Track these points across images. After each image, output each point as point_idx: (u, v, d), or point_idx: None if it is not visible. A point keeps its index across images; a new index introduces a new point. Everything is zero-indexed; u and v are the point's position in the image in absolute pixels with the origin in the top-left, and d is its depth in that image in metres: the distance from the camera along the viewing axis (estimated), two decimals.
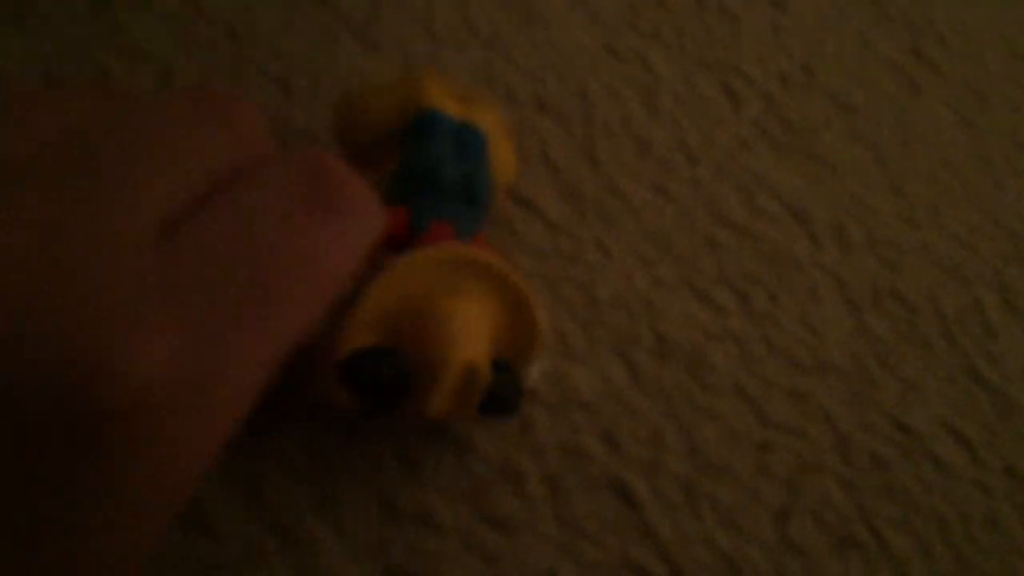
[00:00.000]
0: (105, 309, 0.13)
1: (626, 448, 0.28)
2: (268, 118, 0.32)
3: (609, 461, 0.27)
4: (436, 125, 0.26)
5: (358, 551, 0.24)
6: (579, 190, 0.33)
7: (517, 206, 0.32)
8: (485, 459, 0.26)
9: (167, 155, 0.15)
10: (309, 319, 0.16)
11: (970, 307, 0.34)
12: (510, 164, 0.29)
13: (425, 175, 0.25)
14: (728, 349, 0.31)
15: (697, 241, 0.33)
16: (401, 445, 0.26)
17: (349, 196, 0.17)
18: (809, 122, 0.38)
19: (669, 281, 0.32)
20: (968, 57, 0.43)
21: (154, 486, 0.14)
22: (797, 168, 0.36)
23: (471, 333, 0.23)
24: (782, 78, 0.39)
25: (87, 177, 0.14)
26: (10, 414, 0.12)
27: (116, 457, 0.13)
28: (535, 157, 0.33)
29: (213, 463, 0.16)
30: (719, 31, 0.40)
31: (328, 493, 0.25)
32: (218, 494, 0.24)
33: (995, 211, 0.37)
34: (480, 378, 0.23)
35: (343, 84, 0.34)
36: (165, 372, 0.13)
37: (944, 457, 0.30)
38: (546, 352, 0.29)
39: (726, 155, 0.36)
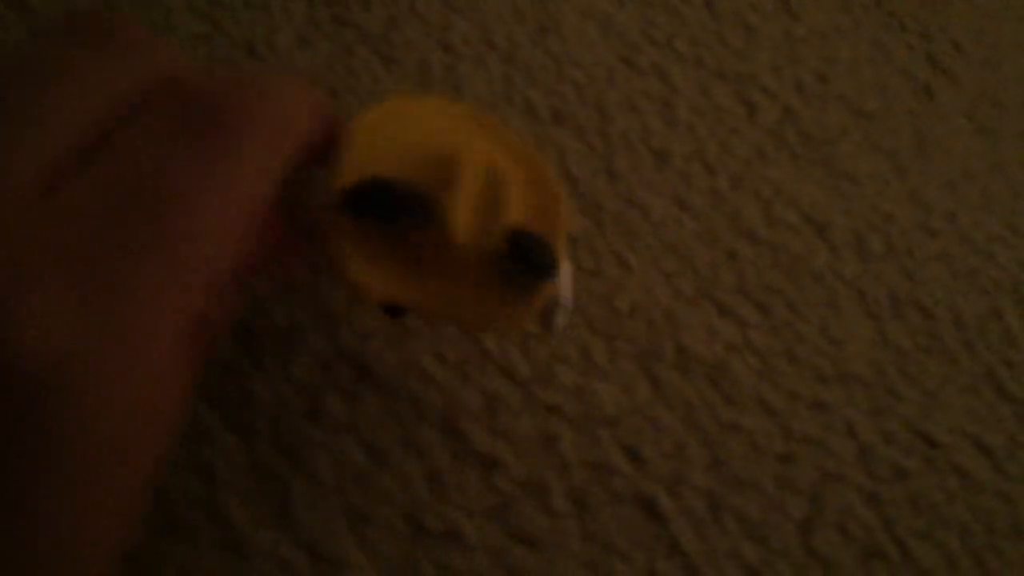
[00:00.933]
0: None
1: (650, 462, 0.28)
2: None
3: (634, 476, 0.27)
4: None
5: (388, 569, 0.24)
6: (598, 203, 0.33)
7: None
8: (510, 476, 0.27)
9: (44, 105, 0.14)
10: (226, 246, 0.15)
11: (990, 316, 0.34)
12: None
13: None
14: (750, 361, 0.31)
15: (717, 253, 0.33)
16: (427, 463, 0.26)
17: (236, 112, 0.16)
18: (826, 131, 0.38)
19: (690, 293, 0.32)
20: (984, 65, 0.43)
21: (92, 452, 0.13)
22: (815, 177, 0.36)
23: (488, 151, 0.21)
24: (798, 87, 0.39)
25: None
26: None
27: (38, 424, 0.13)
28: (554, 170, 0.33)
29: (165, 426, 0.15)
30: (734, 42, 0.40)
31: (356, 510, 0.25)
32: (246, 511, 0.24)
33: (1013, 219, 0.37)
34: (502, 179, 0.20)
35: (361, 97, 0.34)
36: (66, 336, 0.13)
37: (967, 468, 0.30)
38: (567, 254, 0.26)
39: (744, 165, 0.36)
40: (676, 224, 0.33)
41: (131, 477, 0.14)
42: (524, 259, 0.20)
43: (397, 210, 0.19)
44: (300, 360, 0.27)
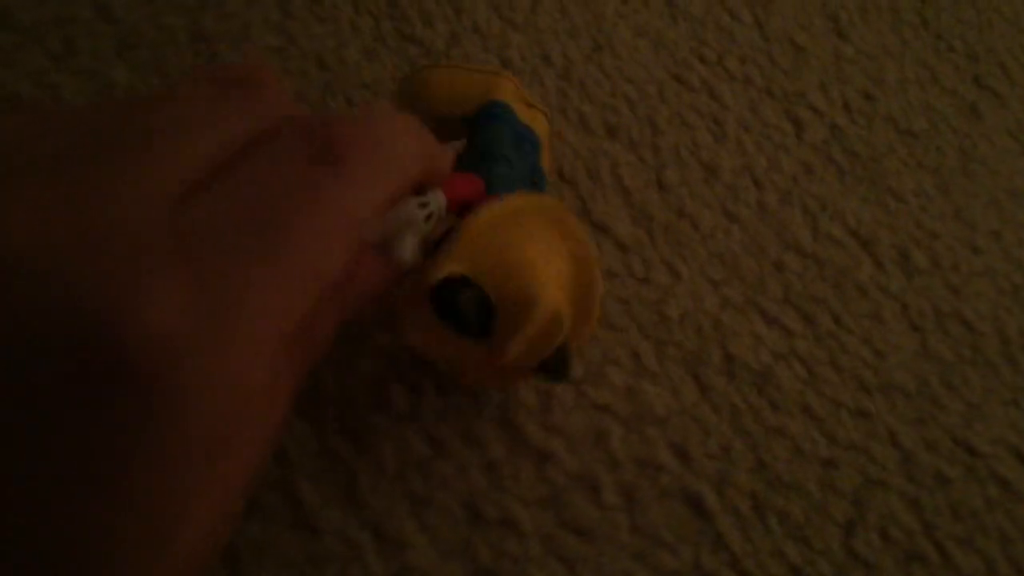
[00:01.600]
0: (121, 267, 0.14)
1: (697, 461, 0.29)
2: None
3: (681, 473, 0.29)
4: (507, 116, 0.28)
5: (447, 552, 0.26)
6: (649, 214, 0.34)
7: (593, 229, 0.33)
8: (563, 468, 0.28)
9: (181, 133, 0.16)
10: (330, 260, 0.17)
11: None
12: (549, 174, 0.30)
13: (496, 153, 0.26)
14: (795, 369, 0.32)
15: (764, 264, 0.34)
16: (484, 454, 0.28)
17: (350, 147, 0.18)
18: (872, 149, 0.39)
19: (737, 302, 0.33)
20: None
21: (194, 433, 0.14)
22: (861, 194, 0.37)
23: (559, 282, 0.24)
24: (845, 106, 0.40)
25: (106, 162, 0.15)
26: (41, 367, 0.13)
27: (143, 408, 0.14)
28: (608, 182, 0.35)
29: (264, 427, 0.17)
30: (783, 60, 0.41)
31: (417, 496, 0.26)
32: (316, 493, 0.26)
33: None
34: (560, 328, 0.23)
35: None
36: (179, 320, 0.14)
37: (1008, 477, 0.31)
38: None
39: (791, 180, 0.37)
40: (724, 235, 0.35)
41: (229, 470, 0.16)
42: (553, 371, 0.24)
43: (467, 327, 0.23)
44: (366, 354, 0.29)
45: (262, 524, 0.25)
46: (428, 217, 0.21)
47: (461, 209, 0.24)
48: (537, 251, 0.24)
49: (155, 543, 0.15)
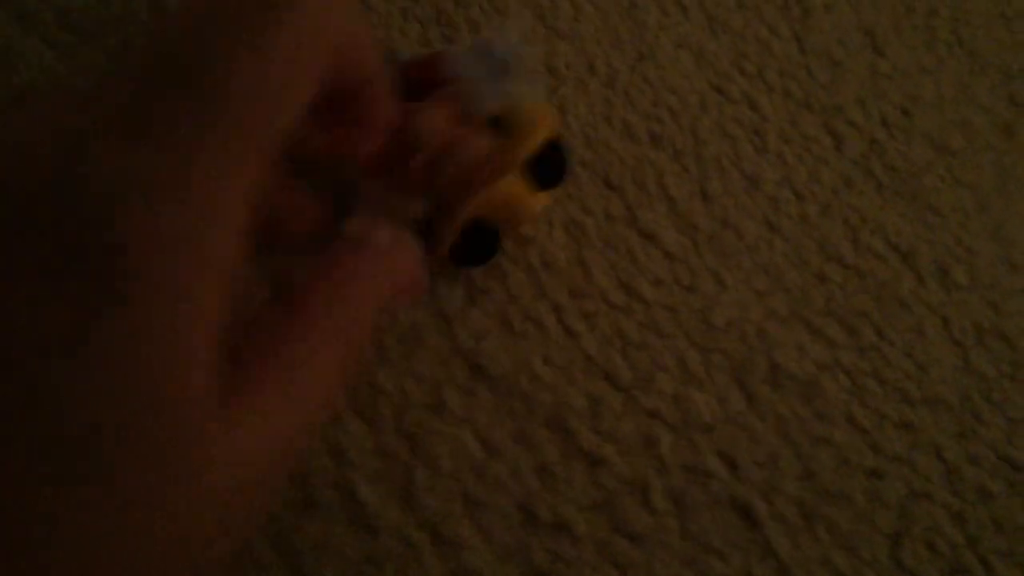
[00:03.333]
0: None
1: (745, 469, 0.29)
2: None
3: (730, 481, 0.29)
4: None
5: (502, 554, 0.26)
6: (694, 223, 0.35)
7: (639, 237, 0.33)
8: (614, 473, 0.28)
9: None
10: (278, 108, 0.16)
11: None
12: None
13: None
14: (839, 380, 0.32)
15: (807, 276, 0.34)
16: (537, 457, 0.28)
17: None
18: (910, 164, 0.39)
19: (781, 313, 0.33)
20: None
21: (153, 287, 0.14)
22: (900, 208, 0.38)
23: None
24: (883, 121, 0.41)
25: None
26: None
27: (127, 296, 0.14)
28: (654, 191, 0.35)
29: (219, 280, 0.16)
30: (821, 75, 0.42)
31: (472, 497, 0.27)
32: (374, 492, 0.26)
33: None
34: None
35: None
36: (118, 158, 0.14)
37: None
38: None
39: (832, 194, 0.37)
40: (767, 246, 0.35)
41: (187, 326, 0.15)
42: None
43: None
44: (421, 357, 0.29)
45: (322, 523, 0.25)
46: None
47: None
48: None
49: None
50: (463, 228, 0.27)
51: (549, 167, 0.28)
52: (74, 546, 0.14)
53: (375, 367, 0.28)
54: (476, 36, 0.38)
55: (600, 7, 0.40)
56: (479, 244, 0.29)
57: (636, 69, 0.39)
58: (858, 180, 0.38)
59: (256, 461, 0.16)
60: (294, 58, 0.16)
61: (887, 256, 0.36)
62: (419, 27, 0.38)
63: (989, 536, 0.30)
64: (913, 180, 0.39)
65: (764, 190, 0.37)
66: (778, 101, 0.40)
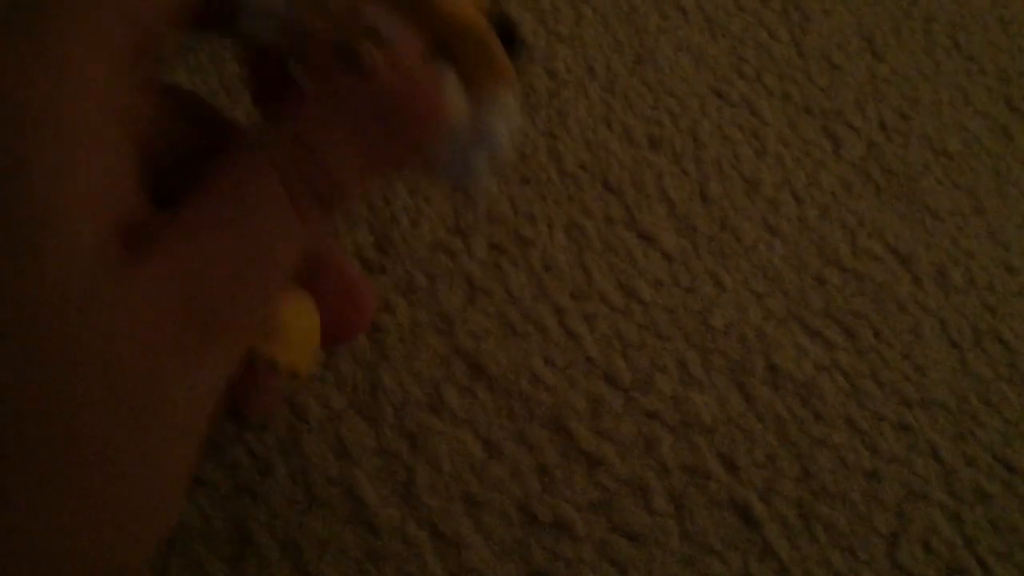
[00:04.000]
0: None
1: (744, 470, 0.29)
2: None
3: (729, 482, 0.29)
4: None
5: (502, 553, 0.26)
6: (693, 225, 0.35)
7: (639, 239, 0.34)
8: (613, 474, 0.28)
9: None
10: None
11: None
12: None
13: None
14: (837, 382, 0.32)
15: (805, 278, 0.35)
16: (537, 457, 0.28)
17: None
18: (908, 168, 0.40)
19: (780, 315, 0.33)
20: None
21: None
22: (898, 211, 0.38)
23: None
24: (882, 125, 0.41)
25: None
26: None
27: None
28: (653, 193, 0.35)
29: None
30: (820, 79, 0.42)
31: (472, 497, 0.27)
32: (375, 490, 0.26)
33: None
34: None
35: None
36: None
37: None
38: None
39: (830, 196, 0.37)
40: (766, 248, 0.35)
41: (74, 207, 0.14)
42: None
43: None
44: (421, 356, 0.29)
45: (324, 520, 0.25)
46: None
47: None
48: None
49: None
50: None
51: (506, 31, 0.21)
52: None
53: (376, 366, 0.28)
54: None
55: (600, 11, 0.40)
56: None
57: (635, 72, 0.39)
58: (857, 183, 0.38)
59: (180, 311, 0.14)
60: None
61: (885, 258, 0.36)
62: None
63: (986, 537, 0.30)
64: (911, 183, 0.39)
65: (763, 193, 0.37)
66: (777, 104, 0.40)
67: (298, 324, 0.20)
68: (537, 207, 0.33)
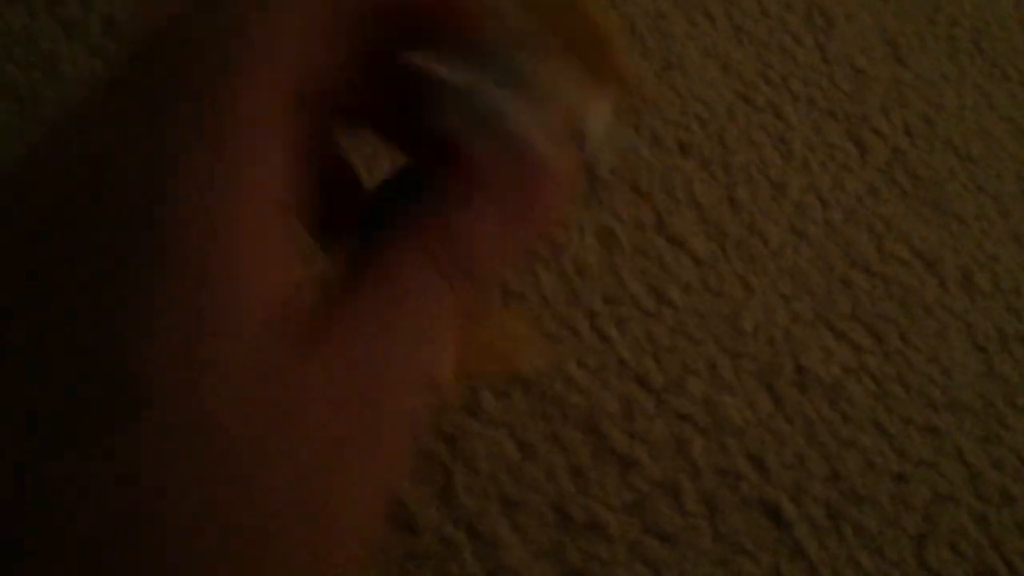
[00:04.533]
0: None
1: (774, 471, 0.30)
2: None
3: (759, 483, 0.29)
4: None
5: (538, 553, 0.27)
6: (723, 229, 0.35)
7: (669, 244, 0.34)
8: (646, 475, 0.29)
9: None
10: None
11: None
12: None
13: None
14: (865, 384, 0.32)
15: (832, 281, 0.35)
16: (571, 459, 0.28)
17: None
18: (934, 172, 0.40)
19: (807, 317, 0.34)
20: None
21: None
22: (924, 216, 0.38)
23: None
24: (906, 130, 0.41)
25: None
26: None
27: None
28: (682, 198, 0.36)
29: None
30: (844, 84, 0.42)
31: (508, 498, 0.27)
32: (414, 491, 0.27)
33: None
34: None
35: None
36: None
37: None
38: None
39: (856, 201, 0.38)
40: (793, 252, 0.35)
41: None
42: None
43: None
44: None
45: None
46: None
47: None
48: None
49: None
50: None
51: None
52: None
53: None
54: None
55: (628, 17, 0.41)
56: None
57: (664, 78, 0.40)
58: (882, 187, 0.39)
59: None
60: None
61: (911, 262, 0.36)
62: None
63: (1012, 538, 0.30)
64: (936, 188, 0.39)
65: (790, 197, 0.37)
66: (803, 109, 0.41)
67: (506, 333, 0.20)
68: (569, 212, 0.34)
